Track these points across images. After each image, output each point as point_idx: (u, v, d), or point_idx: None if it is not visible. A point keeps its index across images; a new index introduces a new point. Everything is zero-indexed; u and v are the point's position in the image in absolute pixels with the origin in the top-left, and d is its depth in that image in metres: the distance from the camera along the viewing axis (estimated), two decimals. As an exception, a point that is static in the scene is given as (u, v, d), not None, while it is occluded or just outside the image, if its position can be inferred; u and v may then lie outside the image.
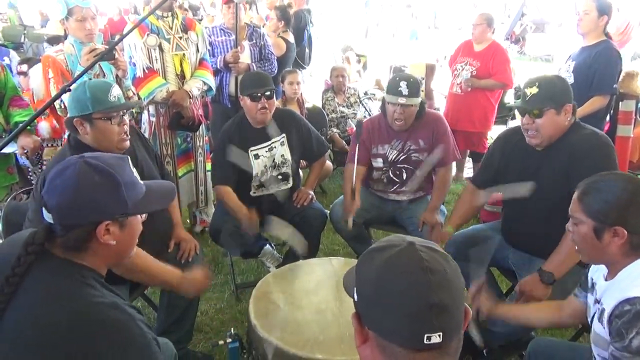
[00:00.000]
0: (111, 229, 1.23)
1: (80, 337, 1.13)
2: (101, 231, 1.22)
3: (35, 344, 1.13)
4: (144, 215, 1.37)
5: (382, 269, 0.87)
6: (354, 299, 0.93)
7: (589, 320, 1.63)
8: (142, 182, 1.33)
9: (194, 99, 3.27)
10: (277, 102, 2.98)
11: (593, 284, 1.66)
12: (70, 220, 1.21)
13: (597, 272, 1.64)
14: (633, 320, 1.35)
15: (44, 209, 1.24)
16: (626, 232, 1.44)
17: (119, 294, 1.28)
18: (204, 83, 3.33)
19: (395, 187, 3.03)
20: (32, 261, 1.19)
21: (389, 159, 2.97)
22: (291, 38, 4.97)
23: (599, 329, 1.52)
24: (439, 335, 0.82)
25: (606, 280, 1.56)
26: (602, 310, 1.50)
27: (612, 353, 1.39)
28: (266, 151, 2.92)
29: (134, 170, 1.33)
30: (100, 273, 1.29)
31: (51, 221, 1.22)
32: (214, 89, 3.52)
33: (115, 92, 2.11)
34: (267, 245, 3.15)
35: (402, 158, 2.96)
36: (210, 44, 3.84)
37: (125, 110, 2.17)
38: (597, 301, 1.58)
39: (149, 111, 3.34)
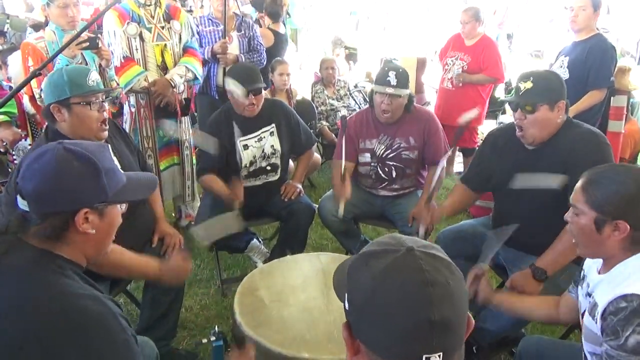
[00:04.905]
0: (90, 217, 1.18)
1: (58, 328, 1.07)
2: (80, 219, 1.17)
3: (9, 336, 1.07)
4: (123, 207, 1.32)
5: (378, 278, 0.79)
6: (344, 306, 0.85)
7: (580, 314, 1.57)
8: (122, 172, 1.28)
9: (176, 87, 3.13)
10: (265, 93, 2.92)
11: (584, 277, 1.60)
12: (47, 207, 1.15)
13: (590, 265, 1.59)
14: (629, 317, 1.29)
15: (18, 196, 1.17)
16: (629, 227, 1.38)
17: (99, 288, 1.22)
18: (187, 69, 3.17)
19: (384, 184, 2.98)
20: (4, 251, 1.13)
21: (377, 154, 2.91)
22: (282, 29, 4.90)
23: (590, 323, 1.46)
24: (439, 356, 0.75)
25: (599, 273, 1.51)
26: (595, 305, 1.44)
27: (607, 352, 1.34)
28: (255, 141, 2.87)
29: (115, 158, 1.27)
30: (80, 265, 1.23)
31: (26, 209, 1.15)
32: (201, 78, 3.41)
33: (94, 76, 2.04)
34: (255, 240, 3.09)
35: (391, 155, 2.90)
36: (198, 33, 3.75)
37: (104, 97, 2.09)
38: (589, 294, 1.52)
39: (129, 102, 3.22)
